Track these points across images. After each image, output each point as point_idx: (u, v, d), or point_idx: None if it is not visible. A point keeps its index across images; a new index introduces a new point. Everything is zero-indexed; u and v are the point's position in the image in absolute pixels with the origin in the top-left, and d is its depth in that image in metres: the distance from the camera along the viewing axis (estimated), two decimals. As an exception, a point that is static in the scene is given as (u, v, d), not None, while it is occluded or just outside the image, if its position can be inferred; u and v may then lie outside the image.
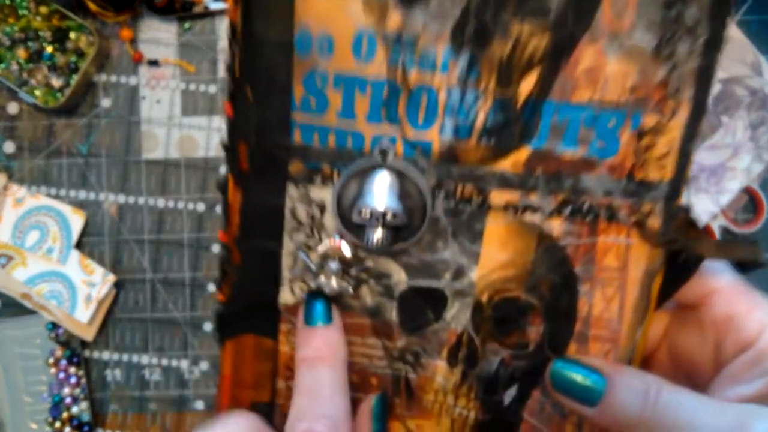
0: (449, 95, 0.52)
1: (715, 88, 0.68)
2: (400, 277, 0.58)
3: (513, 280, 0.57)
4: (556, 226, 0.55)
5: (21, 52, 0.60)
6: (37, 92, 0.61)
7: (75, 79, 0.60)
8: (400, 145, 0.54)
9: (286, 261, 0.59)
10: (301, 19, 0.49)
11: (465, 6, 0.47)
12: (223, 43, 0.68)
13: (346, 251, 0.57)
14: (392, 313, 0.59)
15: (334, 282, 0.58)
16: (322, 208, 0.57)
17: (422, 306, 0.59)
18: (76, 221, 0.62)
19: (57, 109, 0.61)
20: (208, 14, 0.66)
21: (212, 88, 0.69)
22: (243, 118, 0.54)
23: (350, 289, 0.58)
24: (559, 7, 0.45)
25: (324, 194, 0.56)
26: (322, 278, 0.58)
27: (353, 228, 0.57)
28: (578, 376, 0.53)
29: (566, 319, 0.57)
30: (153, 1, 0.61)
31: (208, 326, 0.69)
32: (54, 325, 0.63)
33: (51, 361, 0.63)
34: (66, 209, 0.62)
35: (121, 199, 0.62)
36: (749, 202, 0.73)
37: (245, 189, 0.56)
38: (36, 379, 0.63)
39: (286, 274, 0.59)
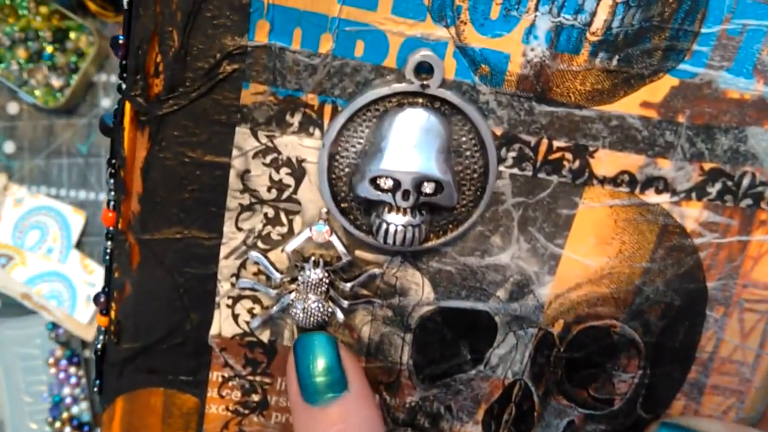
0: None
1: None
2: (423, 295, 0.34)
3: (609, 301, 0.35)
4: (693, 215, 0.33)
5: (21, 52, 0.62)
6: (37, 92, 0.63)
7: (75, 79, 0.62)
8: (450, 60, 0.30)
9: (225, 266, 0.33)
10: None
11: None
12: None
13: (339, 248, 0.32)
14: (404, 352, 0.35)
15: (313, 301, 0.33)
16: (299, 172, 0.32)
17: (454, 340, 0.35)
18: (76, 221, 0.63)
19: (57, 109, 0.63)
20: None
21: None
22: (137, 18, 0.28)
23: (339, 314, 0.34)
24: None
25: (305, 147, 0.31)
26: (292, 296, 0.33)
27: (355, 207, 0.32)
28: None
29: (679, 362, 0.36)
30: None
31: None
32: (54, 325, 0.63)
33: (51, 361, 0.64)
34: (66, 209, 0.64)
35: None
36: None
37: (155, 134, 0.31)
38: (36, 379, 0.64)
39: (224, 287, 0.34)
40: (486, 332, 0.35)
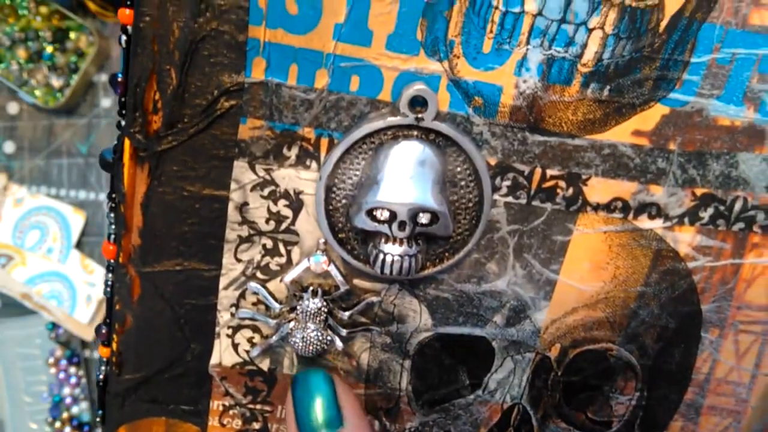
0: (544, 2, 0.29)
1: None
2: (420, 322, 0.35)
3: (604, 324, 0.35)
4: (686, 239, 0.33)
5: (21, 52, 0.62)
6: (37, 92, 0.63)
7: (75, 79, 0.62)
8: (444, 93, 0.30)
9: (225, 297, 0.34)
10: None
11: None
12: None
13: (337, 278, 0.33)
14: (403, 378, 0.36)
15: (312, 330, 0.33)
16: (297, 204, 0.32)
17: (453, 366, 0.36)
18: (76, 221, 0.64)
19: (57, 109, 0.63)
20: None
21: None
22: (156, 26, 0.28)
23: (337, 342, 0.34)
24: None
25: (302, 179, 0.32)
26: (291, 325, 0.34)
27: (352, 238, 0.32)
28: None
29: (675, 383, 0.36)
30: None
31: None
32: (54, 325, 0.64)
33: (51, 361, 0.64)
34: (66, 209, 0.64)
35: None
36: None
37: (154, 169, 0.31)
38: (36, 379, 0.64)
39: (224, 317, 0.34)
40: (484, 357, 0.36)
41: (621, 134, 0.31)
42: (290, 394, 0.33)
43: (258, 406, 0.36)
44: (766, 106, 0.31)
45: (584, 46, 0.30)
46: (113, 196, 0.33)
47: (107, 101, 0.66)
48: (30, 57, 0.62)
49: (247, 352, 0.35)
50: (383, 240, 0.31)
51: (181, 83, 0.30)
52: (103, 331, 0.35)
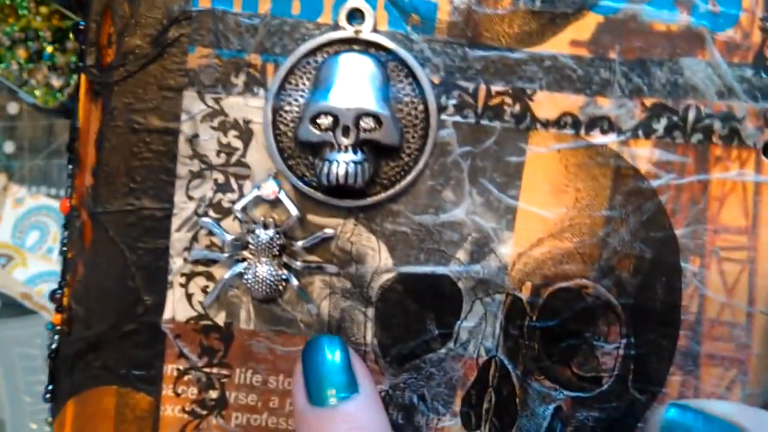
0: None
1: None
2: (380, 261, 0.33)
3: (574, 257, 0.33)
4: (644, 155, 0.33)
5: (21, 52, 0.61)
6: (37, 92, 0.61)
7: (75, 79, 0.59)
8: (382, 12, 0.32)
9: (177, 239, 0.33)
10: None
11: None
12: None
13: (288, 205, 0.32)
14: (367, 330, 0.34)
15: (264, 268, 0.32)
16: (246, 135, 0.33)
17: (419, 313, 0.34)
18: None
19: (57, 109, 0.60)
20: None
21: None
22: None
23: (293, 280, 0.33)
24: None
25: (250, 107, 0.32)
26: (245, 264, 0.32)
27: (302, 164, 0.32)
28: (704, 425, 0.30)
29: (663, 325, 0.34)
30: None
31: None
32: (54, 325, 0.57)
33: None
34: None
35: None
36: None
37: (107, 104, 0.32)
38: (36, 379, 0.63)
39: (176, 263, 0.33)
40: (450, 301, 0.34)
41: (559, 45, 0.32)
42: (299, 362, 0.32)
43: (215, 370, 0.34)
44: (699, 9, 0.32)
45: None
46: (71, 146, 0.34)
47: None
48: (30, 57, 0.61)
49: (201, 303, 0.33)
50: (328, 150, 0.31)
51: (133, 15, 0.32)
52: (57, 295, 0.34)
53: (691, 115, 0.33)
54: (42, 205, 0.64)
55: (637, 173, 0.33)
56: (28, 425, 0.64)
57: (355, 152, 0.31)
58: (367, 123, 0.31)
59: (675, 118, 0.33)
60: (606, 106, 0.32)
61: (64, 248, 0.34)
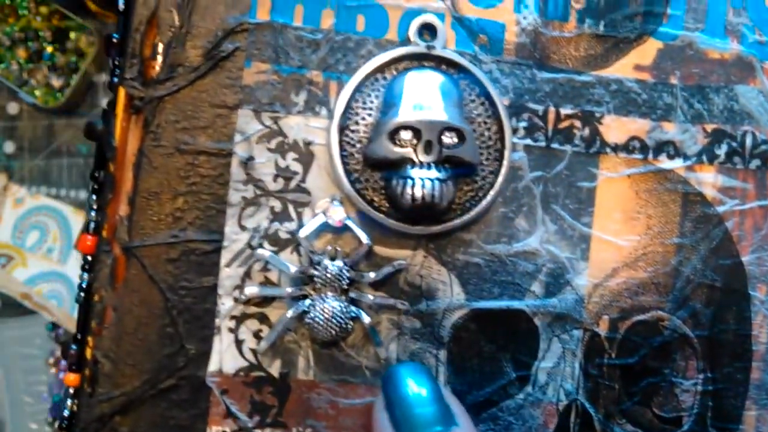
0: None
1: None
2: (452, 296, 0.30)
3: (649, 287, 0.32)
4: (709, 180, 0.32)
5: (21, 52, 0.62)
6: (37, 92, 0.62)
7: (75, 79, 0.61)
8: (449, 31, 0.30)
9: (227, 276, 0.29)
10: None
11: None
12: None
13: (358, 232, 0.29)
14: (440, 375, 0.30)
15: (332, 304, 0.28)
16: (307, 157, 0.29)
17: (494, 354, 0.31)
18: (76, 221, 0.63)
19: (57, 109, 0.62)
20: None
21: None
22: None
23: (364, 317, 0.29)
24: None
25: (311, 127, 0.29)
26: (307, 301, 0.29)
27: (370, 188, 0.29)
28: None
29: (736, 358, 0.32)
30: None
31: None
32: (54, 325, 0.63)
33: (51, 361, 0.62)
34: (66, 209, 0.64)
35: None
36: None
37: (150, 121, 0.28)
38: (36, 379, 0.63)
39: (225, 304, 0.29)
40: (527, 339, 0.31)
41: (624, 69, 0.32)
42: (380, 398, 0.27)
43: (268, 430, 0.29)
44: (748, 39, 0.33)
45: None
46: (97, 174, 0.29)
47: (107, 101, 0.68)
48: (30, 57, 0.61)
49: (253, 351, 0.29)
50: (409, 166, 0.28)
51: (183, 25, 0.29)
52: (72, 351, 0.29)
53: (749, 141, 0.33)
54: (42, 205, 0.64)
55: (704, 199, 0.32)
56: (28, 425, 0.64)
57: (438, 169, 0.28)
58: (450, 138, 0.28)
59: (734, 144, 0.33)
60: (671, 130, 0.32)
61: (85, 293, 0.29)
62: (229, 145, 0.29)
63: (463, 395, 0.30)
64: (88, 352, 0.28)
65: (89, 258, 0.29)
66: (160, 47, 0.28)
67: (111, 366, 0.28)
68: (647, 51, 0.32)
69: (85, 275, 0.29)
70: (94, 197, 0.29)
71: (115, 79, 0.29)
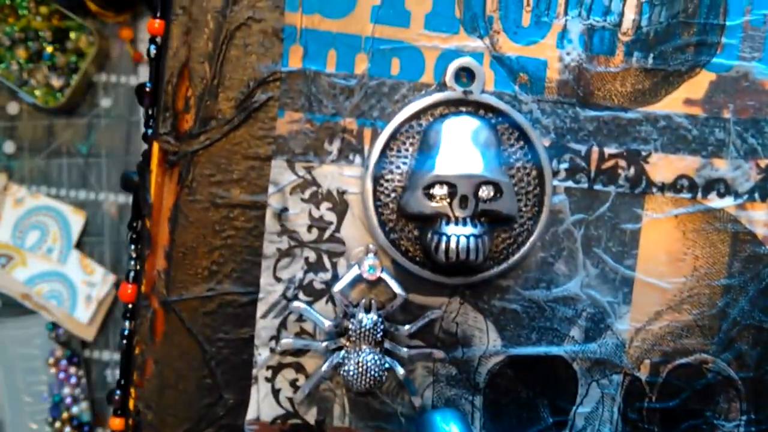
0: None
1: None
2: (488, 343, 0.30)
3: (694, 330, 0.31)
4: (761, 218, 0.31)
5: (21, 52, 0.61)
6: (37, 92, 0.61)
7: (75, 79, 0.60)
8: (488, 71, 0.29)
9: (263, 327, 0.29)
10: None
11: None
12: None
13: (392, 285, 0.29)
14: (476, 421, 0.30)
15: (368, 353, 0.28)
16: (341, 206, 0.29)
17: (531, 400, 0.30)
18: (76, 221, 0.63)
19: (57, 109, 0.61)
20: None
21: (213, 89, 0.62)
22: (190, 17, 0.28)
23: (398, 368, 0.29)
24: None
25: (345, 176, 0.29)
26: (342, 352, 0.29)
27: (405, 238, 0.29)
28: None
29: None
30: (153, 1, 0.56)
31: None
32: (54, 325, 0.63)
33: (51, 361, 0.63)
34: (66, 209, 0.63)
35: (121, 199, 0.63)
36: None
37: (185, 175, 0.28)
38: (36, 379, 0.63)
39: (262, 355, 0.29)
40: (565, 385, 0.31)
41: (673, 104, 0.30)
42: None
43: None
44: None
45: (621, 14, 0.30)
46: (134, 223, 0.30)
47: (107, 101, 0.65)
48: (30, 57, 0.61)
49: (290, 399, 0.29)
50: (444, 222, 0.28)
51: (215, 76, 0.28)
52: (117, 396, 0.30)
53: None
54: (42, 205, 0.63)
55: (755, 238, 0.31)
56: (28, 425, 0.63)
57: (474, 225, 0.28)
58: (486, 192, 0.28)
59: None
60: (722, 168, 0.31)
61: (127, 341, 0.29)
62: (263, 197, 0.29)
63: (499, 441, 0.30)
64: (131, 402, 0.29)
65: (130, 306, 0.29)
66: (193, 100, 0.28)
67: (153, 416, 0.29)
68: (699, 84, 0.30)
69: (126, 323, 0.30)
70: (132, 246, 0.30)
71: (149, 131, 0.29)
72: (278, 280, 0.29)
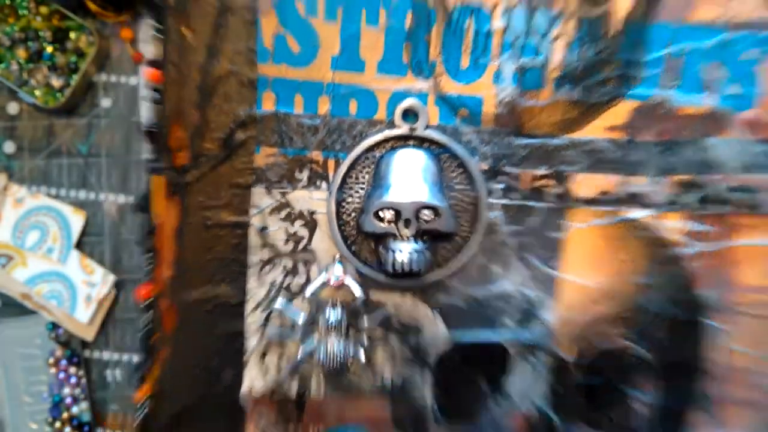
0: (509, 20, 0.34)
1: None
2: (436, 331, 0.37)
3: (614, 319, 0.36)
4: (676, 226, 0.36)
5: (21, 52, 0.59)
6: (37, 92, 0.59)
7: (75, 79, 0.58)
8: (433, 108, 0.35)
9: (252, 321, 0.36)
10: None
11: None
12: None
13: (353, 287, 0.35)
14: (426, 391, 0.37)
15: (334, 343, 0.35)
16: (311, 224, 0.36)
17: (473, 376, 0.37)
18: (76, 221, 0.61)
19: (57, 109, 0.59)
20: (209, 15, 0.59)
21: (213, 89, 0.60)
22: (179, 73, 0.34)
23: (361, 354, 0.36)
24: None
25: (314, 199, 0.35)
26: (315, 341, 0.36)
27: (364, 248, 0.36)
28: None
29: (690, 377, 0.37)
30: (153, 1, 0.52)
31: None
32: (54, 325, 0.61)
33: (51, 361, 0.61)
34: (66, 209, 0.61)
35: (121, 199, 0.58)
36: None
37: (183, 201, 0.35)
38: (36, 379, 0.62)
39: (251, 343, 0.37)
40: (502, 364, 0.37)
41: (597, 130, 0.35)
42: None
43: None
44: (723, 92, 0.35)
45: (550, 54, 0.34)
46: (147, 239, 0.36)
47: (107, 101, 0.61)
48: (30, 57, 0.59)
49: (275, 378, 0.37)
50: (392, 240, 0.34)
51: (202, 120, 0.34)
52: (141, 371, 0.37)
53: (717, 189, 0.36)
54: (42, 205, 0.61)
55: (670, 243, 0.36)
56: (28, 425, 0.61)
57: (416, 241, 0.34)
58: (426, 215, 0.33)
59: (703, 193, 0.35)
60: (641, 183, 0.35)
61: (146, 331, 0.37)
62: (247, 218, 0.35)
63: (444, 409, 0.37)
64: (150, 380, 0.37)
65: (147, 303, 0.37)
66: (186, 140, 0.34)
67: (168, 389, 0.37)
68: (620, 112, 0.35)
69: (144, 316, 0.37)
70: (149, 255, 0.36)
71: (154, 166, 0.35)
72: (262, 284, 0.36)
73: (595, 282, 0.36)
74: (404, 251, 0.33)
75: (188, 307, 0.36)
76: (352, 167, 0.35)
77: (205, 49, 0.34)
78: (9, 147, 0.62)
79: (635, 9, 0.34)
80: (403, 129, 0.34)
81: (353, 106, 0.34)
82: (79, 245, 0.61)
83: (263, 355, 0.36)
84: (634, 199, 0.36)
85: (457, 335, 0.37)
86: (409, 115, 0.34)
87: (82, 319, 0.60)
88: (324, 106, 0.34)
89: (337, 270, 0.35)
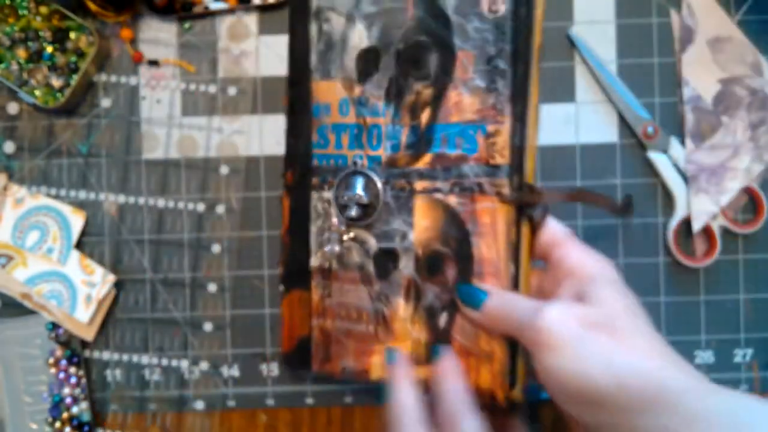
0: (388, 129, 0.64)
1: (715, 88, 0.69)
2: (372, 243, 0.67)
3: (433, 238, 0.65)
4: (452, 200, 0.63)
5: (21, 52, 0.58)
6: (37, 92, 0.59)
7: (75, 79, 0.58)
8: (365, 160, 0.65)
9: (313, 239, 0.68)
10: (314, 98, 0.64)
11: (390, 78, 0.61)
12: (222, 43, 0.65)
13: (341, 226, 0.65)
14: (370, 267, 0.67)
15: (336, 247, 0.65)
16: (329, 203, 0.67)
17: (386, 261, 0.67)
18: (76, 221, 0.60)
19: (57, 109, 0.59)
20: (209, 14, 0.64)
21: (212, 88, 0.65)
22: (290, 156, 0.66)
23: (344, 252, 0.66)
24: (435, 72, 0.60)
25: (329, 195, 0.67)
26: (329, 246, 0.65)
27: (344, 211, 0.66)
28: (469, 290, 0.59)
29: (468, 261, 0.64)
30: (153, 1, 0.60)
31: (208, 326, 0.66)
32: (54, 325, 0.61)
33: (51, 361, 0.61)
34: (66, 209, 0.60)
35: (121, 199, 0.60)
36: (749, 202, 0.71)
37: (292, 197, 0.68)
38: (36, 379, 0.61)
39: (313, 247, 0.67)
40: (396, 256, 0.65)
41: (420, 165, 0.64)
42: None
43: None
44: (464, 148, 0.62)
45: (401, 138, 0.65)
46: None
47: (107, 101, 0.62)
48: (30, 57, 0.58)
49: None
50: (349, 209, 0.64)
51: None
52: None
53: (466, 185, 0.63)
54: (42, 205, 0.60)
55: (450, 207, 0.63)
56: (28, 425, 0.60)
57: (356, 207, 0.64)
58: (360, 199, 0.64)
59: (461, 186, 0.63)
60: (438, 184, 0.65)
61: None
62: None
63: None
64: (281, 264, 0.64)
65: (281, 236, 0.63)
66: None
67: (287, 267, 0.70)
68: (428, 157, 0.64)
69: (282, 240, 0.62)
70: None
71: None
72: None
73: (426, 223, 0.64)
74: (353, 212, 0.66)
75: (293, 236, 0.67)
76: (339, 183, 0.68)
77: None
78: (9, 147, 0.61)
79: (429, 120, 0.63)
80: (355, 168, 0.67)
81: (340, 162, 0.68)
82: (79, 245, 0.62)
83: (317, 252, 0.67)
84: (436, 190, 0.63)
85: (380, 244, 0.66)
86: (357, 163, 0.66)
87: (82, 319, 0.60)
88: (332, 162, 0.69)
89: (335, 220, 0.66)
